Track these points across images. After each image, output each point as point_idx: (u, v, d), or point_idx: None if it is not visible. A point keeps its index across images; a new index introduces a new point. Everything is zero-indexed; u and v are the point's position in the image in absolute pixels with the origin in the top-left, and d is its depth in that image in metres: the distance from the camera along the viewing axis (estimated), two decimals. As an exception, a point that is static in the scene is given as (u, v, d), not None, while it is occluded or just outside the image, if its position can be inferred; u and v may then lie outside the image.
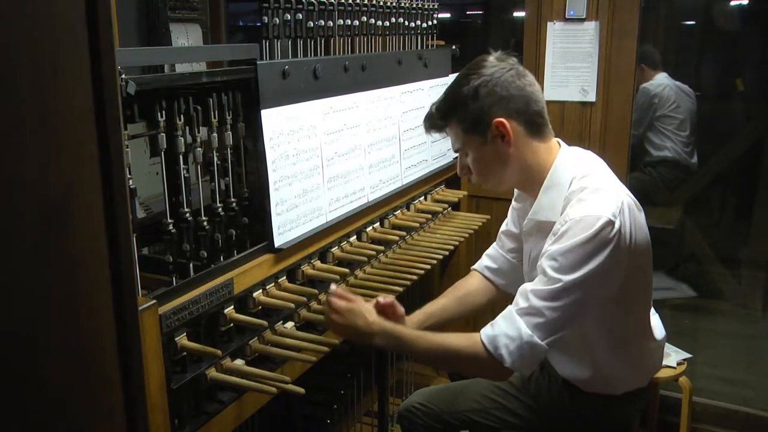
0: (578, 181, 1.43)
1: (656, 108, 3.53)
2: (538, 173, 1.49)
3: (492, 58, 1.49)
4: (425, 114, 1.57)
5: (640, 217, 1.44)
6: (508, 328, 1.36)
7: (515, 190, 1.69)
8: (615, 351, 1.52)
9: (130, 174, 1.17)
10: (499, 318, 1.39)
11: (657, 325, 1.63)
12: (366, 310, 1.48)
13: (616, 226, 1.32)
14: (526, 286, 1.38)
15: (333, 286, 1.52)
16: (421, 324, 1.70)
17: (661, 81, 3.54)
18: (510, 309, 1.39)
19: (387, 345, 1.49)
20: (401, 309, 1.61)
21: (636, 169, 3.49)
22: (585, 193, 1.39)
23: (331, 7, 1.71)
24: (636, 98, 3.52)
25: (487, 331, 1.39)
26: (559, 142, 1.54)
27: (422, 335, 1.50)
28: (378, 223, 1.93)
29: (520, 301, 1.38)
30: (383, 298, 1.58)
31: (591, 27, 2.45)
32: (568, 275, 1.32)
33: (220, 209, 1.43)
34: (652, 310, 1.64)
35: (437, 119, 1.53)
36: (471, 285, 1.81)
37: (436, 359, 1.51)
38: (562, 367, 1.59)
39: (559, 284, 1.33)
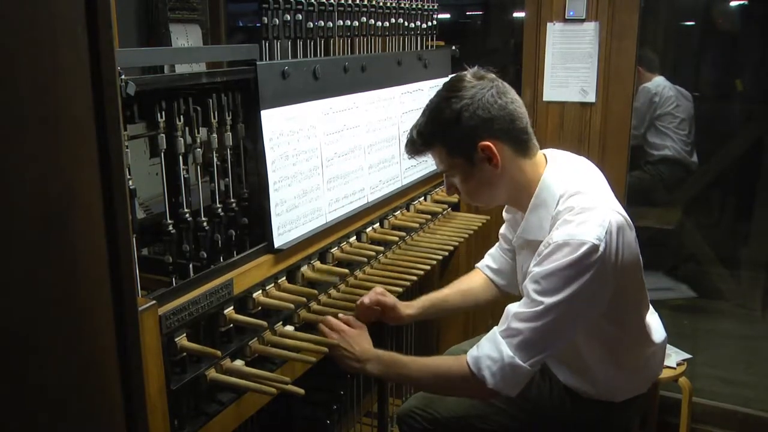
0: (566, 201, 1.42)
1: (656, 107, 3.53)
2: (527, 190, 1.48)
3: (470, 77, 1.44)
4: (406, 138, 1.52)
5: (630, 235, 1.41)
6: (491, 350, 1.38)
7: None
8: (610, 361, 1.52)
9: (129, 175, 1.17)
10: (484, 339, 1.41)
11: (656, 328, 1.63)
12: (366, 339, 1.52)
13: (600, 249, 1.31)
14: (510, 308, 1.39)
15: (341, 315, 1.55)
16: (422, 308, 1.75)
17: (659, 82, 3.55)
18: (494, 330, 1.41)
19: (379, 371, 1.51)
20: (391, 297, 1.66)
21: (636, 167, 3.50)
22: (571, 214, 1.38)
23: (331, 8, 1.71)
24: (636, 98, 3.52)
25: (472, 353, 1.41)
26: (545, 156, 1.52)
27: (413, 359, 1.54)
28: (378, 224, 1.93)
29: (503, 323, 1.39)
30: (367, 299, 1.62)
31: (591, 27, 2.45)
32: (550, 298, 1.33)
33: (219, 210, 1.43)
34: (652, 310, 1.63)
35: (419, 145, 1.48)
36: (474, 281, 1.83)
37: (427, 381, 1.51)
38: (563, 377, 1.60)
39: (541, 306, 1.33)
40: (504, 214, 1.74)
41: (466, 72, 1.47)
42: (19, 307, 0.70)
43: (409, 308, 1.72)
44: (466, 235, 2.14)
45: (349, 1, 1.78)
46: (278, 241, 1.49)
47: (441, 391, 1.59)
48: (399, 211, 2.04)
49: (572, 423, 1.60)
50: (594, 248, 1.31)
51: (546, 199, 1.45)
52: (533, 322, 1.34)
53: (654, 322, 1.63)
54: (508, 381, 1.37)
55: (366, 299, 1.63)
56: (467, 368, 1.39)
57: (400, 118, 2.02)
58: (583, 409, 1.58)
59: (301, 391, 1.30)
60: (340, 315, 1.56)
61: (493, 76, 1.46)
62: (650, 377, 1.62)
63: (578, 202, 1.39)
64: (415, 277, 1.78)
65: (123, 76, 1.09)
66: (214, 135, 1.38)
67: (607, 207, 1.38)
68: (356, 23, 1.82)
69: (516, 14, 3.99)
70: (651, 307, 1.63)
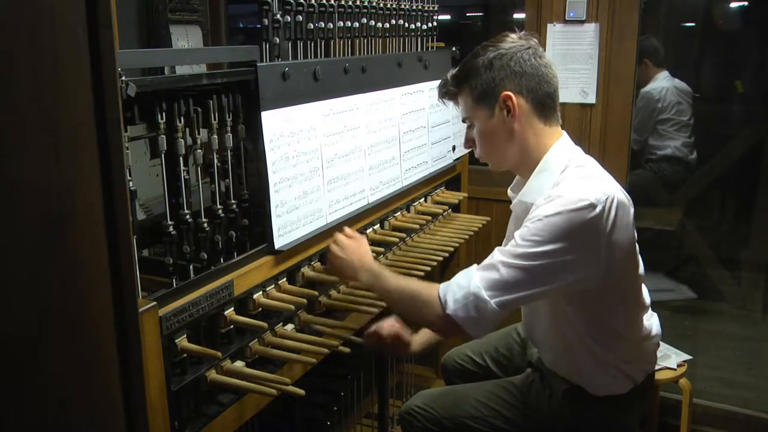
0: (571, 169, 1.45)
1: (659, 112, 3.54)
2: (536, 156, 1.50)
3: (514, 36, 1.51)
4: (440, 80, 1.60)
5: (628, 216, 1.41)
6: (462, 278, 1.41)
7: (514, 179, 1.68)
8: (604, 347, 1.50)
9: (130, 176, 1.17)
10: (460, 272, 1.44)
11: (652, 323, 1.62)
12: (366, 248, 1.59)
13: (597, 210, 1.32)
14: (497, 249, 1.42)
15: (346, 229, 1.63)
16: (421, 344, 1.78)
17: (662, 83, 3.54)
18: (473, 266, 1.43)
19: (368, 282, 1.54)
20: (409, 335, 1.68)
21: (638, 165, 3.50)
22: (574, 178, 1.41)
23: (331, 9, 1.71)
24: (638, 103, 3.52)
25: (444, 282, 1.44)
26: (563, 132, 1.54)
27: (397, 276, 1.56)
28: (378, 225, 1.93)
29: (485, 260, 1.42)
30: (386, 332, 1.64)
31: (591, 29, 2.45)
32: (535, 244, 1.34)
33: (220, 211, 1.43)
34: (651, 313, 1.63)
35: (450, 85, 1.56)
36: None
37: (397, 297, 1.51)
38: (558, 367, 1.58)
39: (522, 247, 1.35)
40: (509, 192, 1.69)
41: (513, 32, 1.53)
42: (20, 308, 0.70)
43: (415, 343, 1.74)
44: (467, 236, 2.14)
45: (350, 3, 1.78)
46: (279, 243, 1.49)
47: (406, 311, 1.56)
48: (399, 213, 2.04)
49: (571, 430, 1.60)
50: (590, 206, 1.32)
51: (552, 165, 1.48)
52: (511, 259, 1.35)
53: (648, 317, 1.62)
54: (470, 312, 1.36)
55: (384, 331, 1.63)
56: (435, 293, 1.42)
57: (400, 119, 2.02)
58: (581, 415, 1.57)
59: (302, 392, 1.30)
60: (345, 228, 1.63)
61: (536, 41, 1.52)
62: (642, 369, 1.59)
63: (583, 171, 1.44)
64: (415, 279, 1.78)
65: (123, 78, 1.09)
66: (215, 136, 1.38)
67: (612, 182, 1.42)
68: (356, 24, 1.82)
69: (516, 15, 3.99)
70: (650, 309, 1.63)
